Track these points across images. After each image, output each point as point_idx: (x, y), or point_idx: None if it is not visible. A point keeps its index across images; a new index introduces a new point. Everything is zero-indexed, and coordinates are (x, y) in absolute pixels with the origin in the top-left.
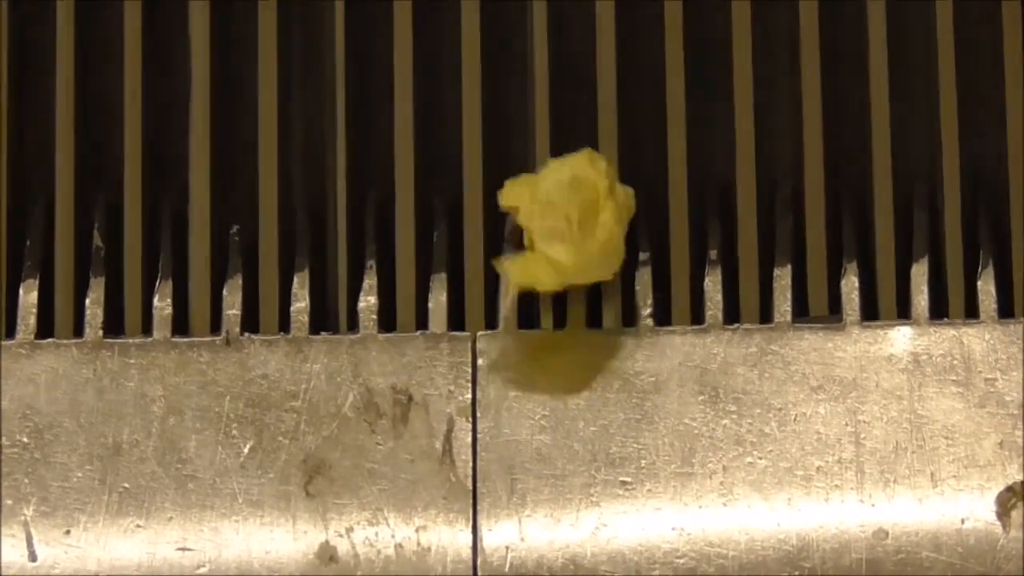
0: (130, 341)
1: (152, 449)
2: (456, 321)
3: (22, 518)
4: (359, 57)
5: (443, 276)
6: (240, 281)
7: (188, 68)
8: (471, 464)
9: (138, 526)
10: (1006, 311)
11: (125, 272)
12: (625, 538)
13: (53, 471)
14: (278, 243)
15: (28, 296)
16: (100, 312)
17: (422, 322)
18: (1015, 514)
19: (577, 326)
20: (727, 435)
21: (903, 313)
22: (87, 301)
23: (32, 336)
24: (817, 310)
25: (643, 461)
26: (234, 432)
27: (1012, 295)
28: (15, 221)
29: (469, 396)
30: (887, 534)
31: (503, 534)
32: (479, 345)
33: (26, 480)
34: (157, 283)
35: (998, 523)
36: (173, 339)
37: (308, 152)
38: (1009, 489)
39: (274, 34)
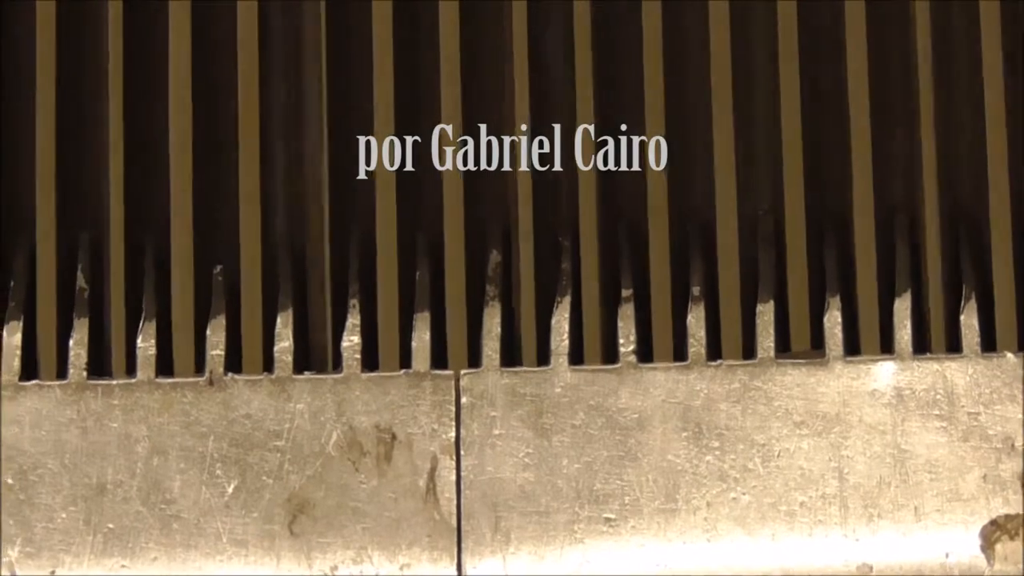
0: (113, 382)
1: (136, 489)
2: (439, 359)
3: (7, 559)
4: (342, 97)
5: (426, 315)
6: (224, 321)
7: (170, 107)
8: (455, 502)
9: (123, 566)
10: (989, 345)
11: (109, 313)
12: (609, 575)
13: (38, 512)
14: (261, 283)
15: (12, 338)
16: (84, 353)
17: (405, 361)
18: (999, 548)
19: (560, 363)
20: (710, 471)
21: (886, 348)
22: (71, 342)
23: (16, 378)
24: (800, 345)
25: (627, 498)
26: (218, 472)
27: (995, 329)
28: None
29: (453, 434)
30: (871, 568)
31: (487, 571)
32: (462, 383)
33: (11, 521)
34: (141, 324)
35: (982, 556)
36: (156, 380)
37: (291, 192)
38: (993, 523)
39: (256, 77)
